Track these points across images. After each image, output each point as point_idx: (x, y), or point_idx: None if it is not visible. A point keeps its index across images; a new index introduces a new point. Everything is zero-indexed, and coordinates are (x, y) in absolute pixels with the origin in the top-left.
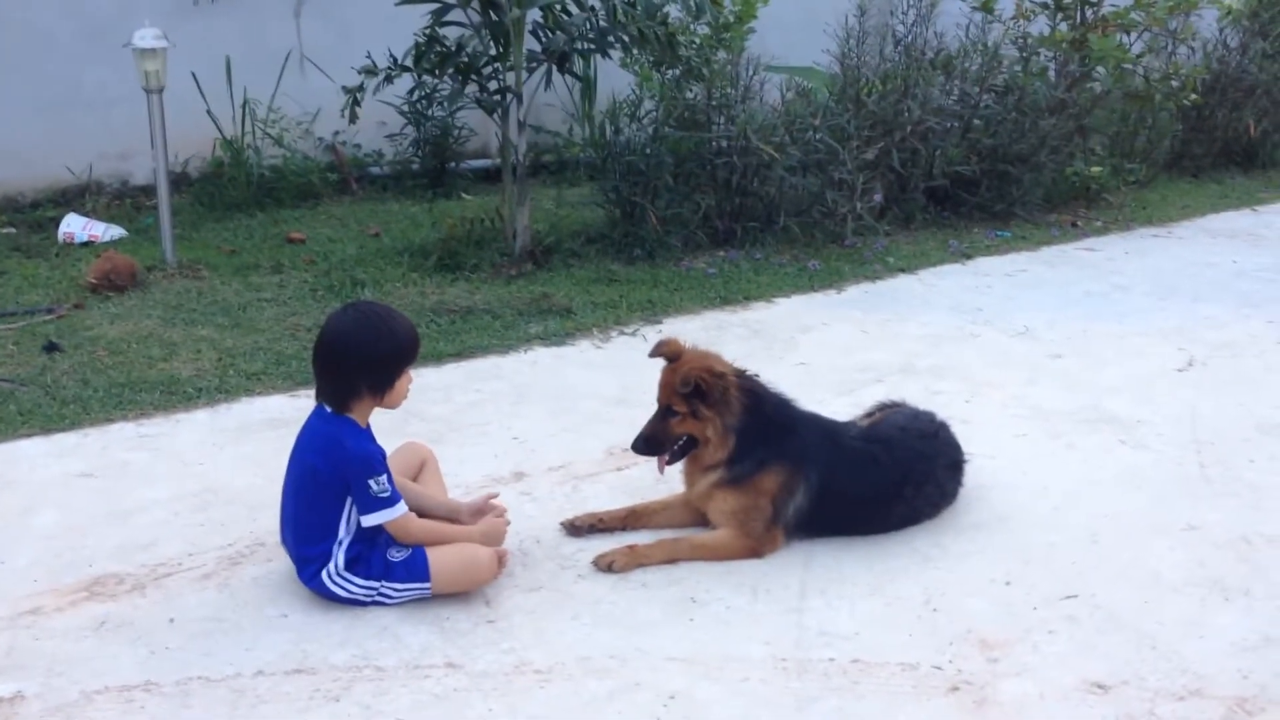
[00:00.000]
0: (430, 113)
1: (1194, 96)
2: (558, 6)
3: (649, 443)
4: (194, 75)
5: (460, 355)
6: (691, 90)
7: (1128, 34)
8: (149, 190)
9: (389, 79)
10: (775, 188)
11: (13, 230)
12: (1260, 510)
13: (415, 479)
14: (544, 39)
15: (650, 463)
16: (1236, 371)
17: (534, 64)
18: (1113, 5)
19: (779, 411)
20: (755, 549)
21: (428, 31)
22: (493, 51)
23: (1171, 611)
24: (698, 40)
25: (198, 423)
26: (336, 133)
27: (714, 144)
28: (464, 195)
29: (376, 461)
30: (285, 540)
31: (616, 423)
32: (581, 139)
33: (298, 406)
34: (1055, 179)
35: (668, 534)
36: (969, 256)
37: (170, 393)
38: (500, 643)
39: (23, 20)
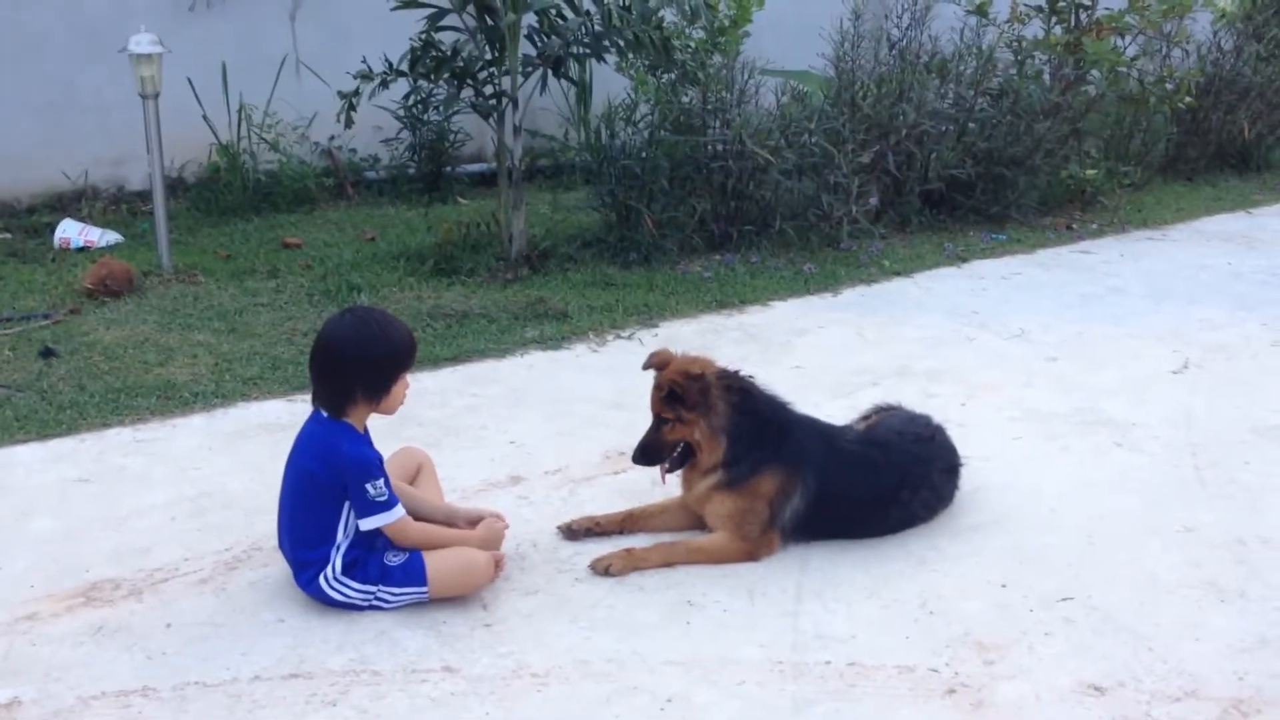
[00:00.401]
0: (426, 117)
1: (1188, 99)
2: (553, 11)
3: (646, 452)
4: (190, 80)
5: (456, 359)
6: (687, 94)
7: (1122, 37)
8: (145, 195)
9: (385, 84)
10: (771, 191)
11: (8, 236)
12: (1256, 512)
13: (412, 483)
14: (539, 43)
15: (649, 468)
16: (1232, 374)
17: (529, 68)
18: (1107, 9)
19: (773, 413)
20: (752, 552)
21: (423, 36)
22: (488, 56)
23: (1167, 613)
24: (693, 44)
25: (194, 428)
26: (332, 137)
27: (709, 148)
28: (460, 200)
29: (373, 465)
30: (282, 545)
31: (613, 426)
32: (577, 143)
33: (294, 411)
34: (1050, 182)
35: (665, 537)
36: (964, 259)
37: (166, 398)
38: (497, 646)
39: (18, 24)
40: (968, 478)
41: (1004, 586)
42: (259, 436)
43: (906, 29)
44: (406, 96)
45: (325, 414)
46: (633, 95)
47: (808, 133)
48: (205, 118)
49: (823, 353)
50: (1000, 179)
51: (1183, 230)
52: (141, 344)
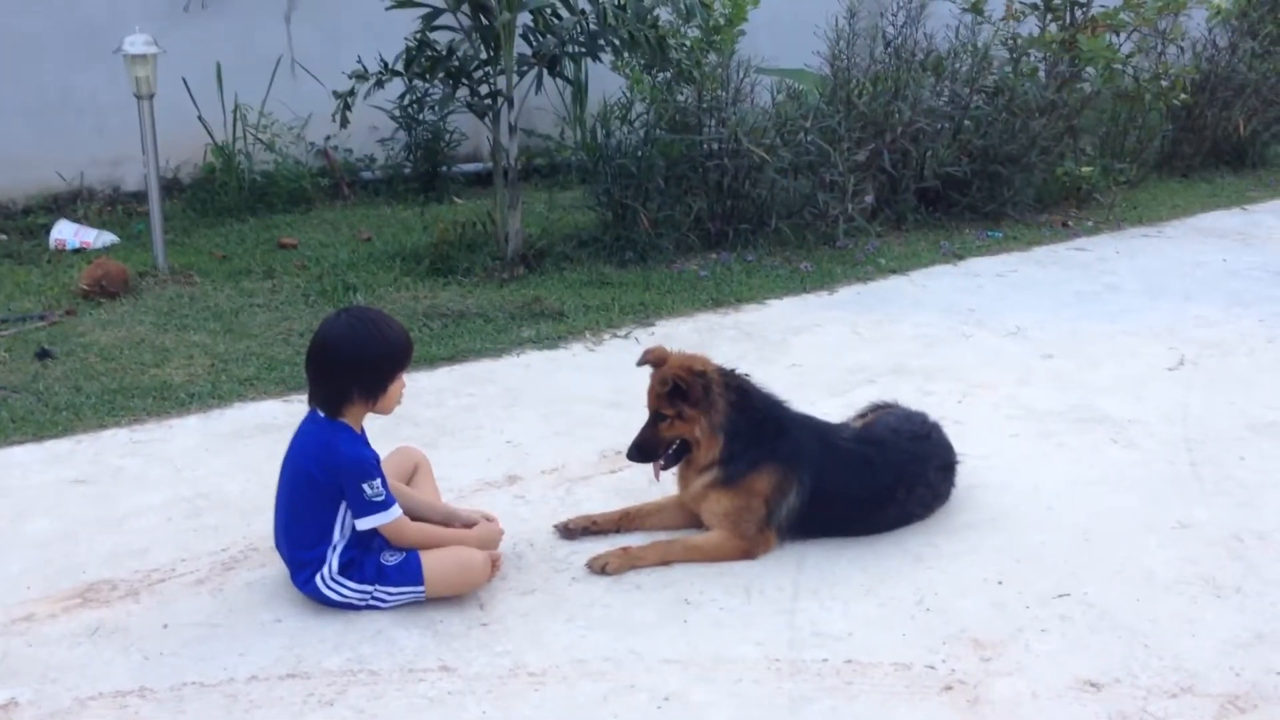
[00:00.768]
0: (421, 117)
1: (1183, 96)
2: (548, 10)
3: (642, 450)
4: (185, 81)
5: (453, 359)
6: (682, 93)
7: (1117, 34)
8: (141, 196)
9: (380, 83)
10: (767, 190)
11: (4, 237)
12: (1251, 508)
13: (408, 484)
14: (534, 43)
15: (644, 466)
16: (1227, 370)
17: (525, 68)
18: (1102, 6)
19: (769, 411)
20: (748, 550)
21: (418, 36)
22: (483, 55)
23: (1163, 609)
24: (688, 43)
25: (190, 428)
26: (328, 137)
27: (705, 146)
28: (456, 199)
29: (370, 465)
30: (279, 545)
31: (609, 425)
32: (573, 142)
33: (290, 411)
34: (1046, 179)
35: (661, 536)
36: (960, 257)
37: (163, 398)
38: (494, 646)
39: (13, 26)
40: (964, 475)
41: (1000, 584)
42: (255, 437)
43: (902, 27)
44: (402, 96)
45: (322, 414)
46: (628, 94)
47: (803, 131)
48: (201, 118)
49: (819, 351)
50: (996, 176)
51: (1178, 227)
52: (137, 345)
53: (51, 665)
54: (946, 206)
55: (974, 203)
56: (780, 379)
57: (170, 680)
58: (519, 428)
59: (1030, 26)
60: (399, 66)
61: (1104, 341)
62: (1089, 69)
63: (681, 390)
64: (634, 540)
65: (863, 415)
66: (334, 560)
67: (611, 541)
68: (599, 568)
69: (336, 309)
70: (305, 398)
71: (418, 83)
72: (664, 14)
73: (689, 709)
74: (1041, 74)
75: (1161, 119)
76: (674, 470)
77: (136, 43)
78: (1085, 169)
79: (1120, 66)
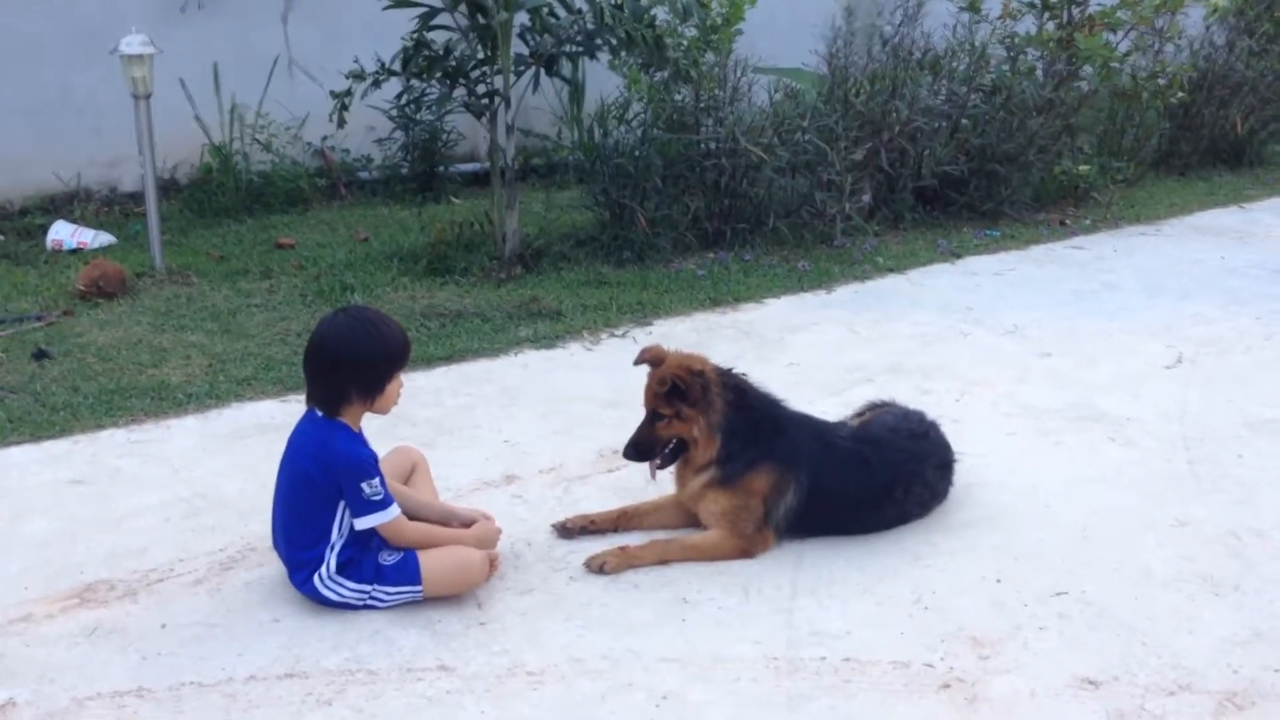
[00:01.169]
0: (419, 117)
1: (1181, 94)
2: (545, 9)
3: (638, 448)
4: (182, 81)
5: (450, 359)
6: (680, 92)
7: (1114, 32)
8: (138, 197)
9: (377, 83)
10: (764, 189)
11: (1, 237)
12: (1249, 505)
13: (406, 483)
14: (531, 42)
15: (641, 465)
16: (1225, 368)
17: (522, 67)
18: (1099, 4)
19: (767, 411)
20: (746, 549)
21: (415, 36)
22: (480, 55)
23: (1161, 607)
24: (685, 42)
25: (188, 429)
26: (325, 137)
27: (703, 146)
28: (453, 199)
29: (368, 464)
30: (277, 545)
31: (607, 425)
32: (570, 142)
33: (288, 411)
34: (1043, 178)
35: (659, 535)
36: (958, 256)
37: (160, 399)
38: (492, 645)
39: (10, 27)
40: (962, 474)
41: (998, 582)
42: (253, 437)
43: (899, 26)
44: (399, 96)
45: (320, 413)
46: (626, 94)
47: (801, 130)
48: (198, 119)
49: (816, 350)
50: (993, 175)
51: (1176, 225)
52: (135, 345)
53: (49, 665)
54: (944, 205)
55: (971, 201)
56: (778, 378)
57: (168, 680)
58: (517, 427)
59: (1027, 25)
60: (396, 66)
61: (1102, 340)
62: (1086, 67)
63: (680, 390)
64: (632, 539)
65: (860, 414)
66: (332, 560)
67: (609, 541)
68: (597, 567)
69: (334, 309)
70: (303, 397)
71: (415, 82)
72: (661, 13)
73: (687, 708)
74: (1039, 73)
75: (1159, 117)
76: (671, 469)
77: (133, 43)
78: (1083, 167)
79: (1118, 65)
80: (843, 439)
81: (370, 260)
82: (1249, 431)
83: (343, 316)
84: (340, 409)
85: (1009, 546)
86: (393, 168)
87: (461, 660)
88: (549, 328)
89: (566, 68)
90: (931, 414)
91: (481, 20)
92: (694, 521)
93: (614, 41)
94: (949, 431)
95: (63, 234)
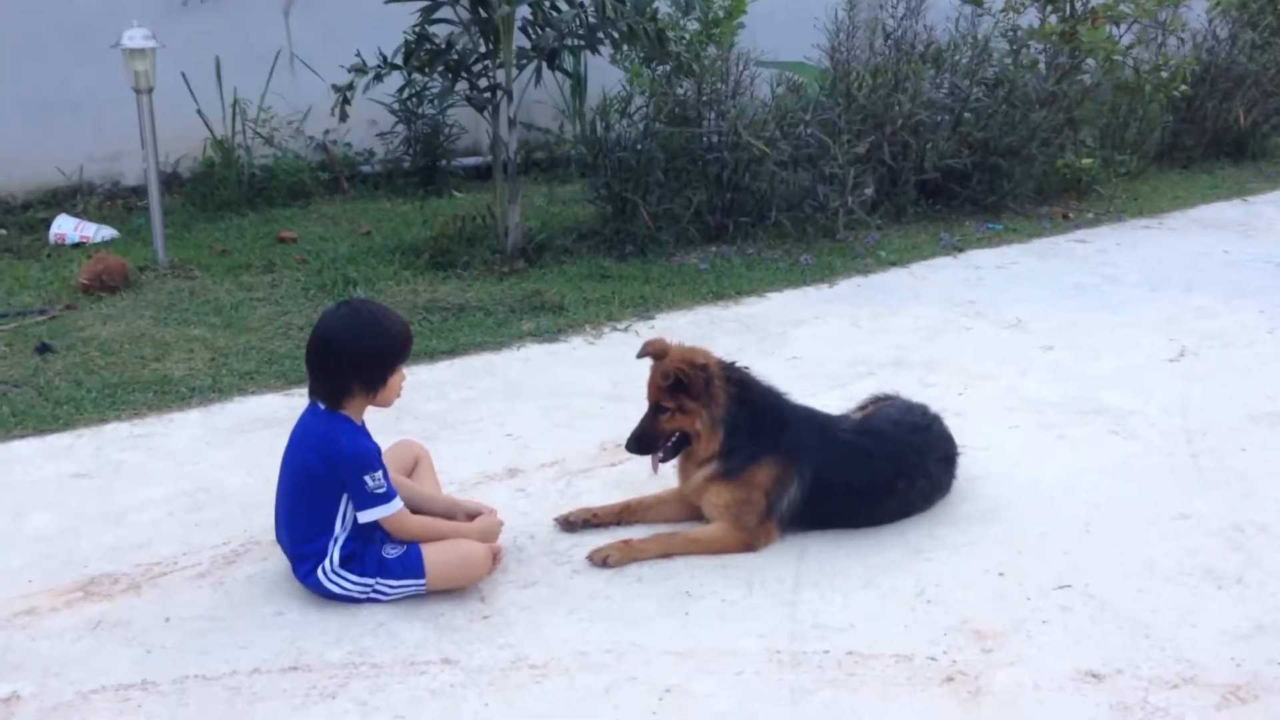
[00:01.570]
0: (421, 111)
1: (1184, 88)
2: (547, 3)
3: (641, 441)
4: (183, 75)
5: (453, 353)
6: (682, 86)
7: (1117, 26)
8: (140, 191)
9: (379, 77)
10: (766, 183)
11: (4, 232)
12: (1252, 498)
13: (409, 476)
14: (533, 36)
15: (644, 459)
16: (1228, 361)
17: (524, 61)
18: None
19: (770, 404)
20: (749, 543)
21: (417, 29)
22: (483, 49)
23: (1164, 600)
24: (688, 36)
25: (191, 422)
26: (327, 131)
27: (705, 140)
28: (455, 193)
29: (371, 458)
30: (280, 538)
31: (610, 418)
32: (572, 136)
33: (291, 405)
34: (1046, 171)
35: (662, 528)
36: (960, 249)
37: (163, 393)
38: (495, 638)
39: (9, 23)
40: (964, 467)
41: (1001, 575)
42: (256, 431)
43: (901, 19)
44: (401, 90)
45: (322, 407)
46: (627, 87)
47: (803, 124)
48: (200, 113)
49: (819, 343)
50: (996, 169)
51: (1179, 218)
52: (138, 339)
53: (53, 659)
54: (946, 199)
55: (974, 195)
56: (780, 371)
57: (172, 673)
58: (519, 421)
59: (1030, 18)
60: (398, 60)
61: (1104, 333)
62: (1089, 60)
63: (683, 383)
64: (635, 533)
65: (863, 407)
66: (335, 553)
67: (612, 534)
68: (600, 560)
69: (336, 302)
70: (305, 391)
71: (417, 76)
72: (663, 7)
73: (690, 701)
74: (1041, 66)
75: (1162, 110)
76: (674, 463)
77: (135, 37)
78: (1085, 161)
79: (1120, 58)
80: (845, 432)
81: (372, 254)
82: (1252, 424)
83: (345, 310)
84: (343, 402)
85: (1012, 540)
86: (395, 161)
87: (465, 653)
88: (551, 321)
89: (568, 61)
90: (934, 407)
91: (483, 14)
92: (697, 515)
93: (616, 35)
94: (951, 425)
95: (65, 228)
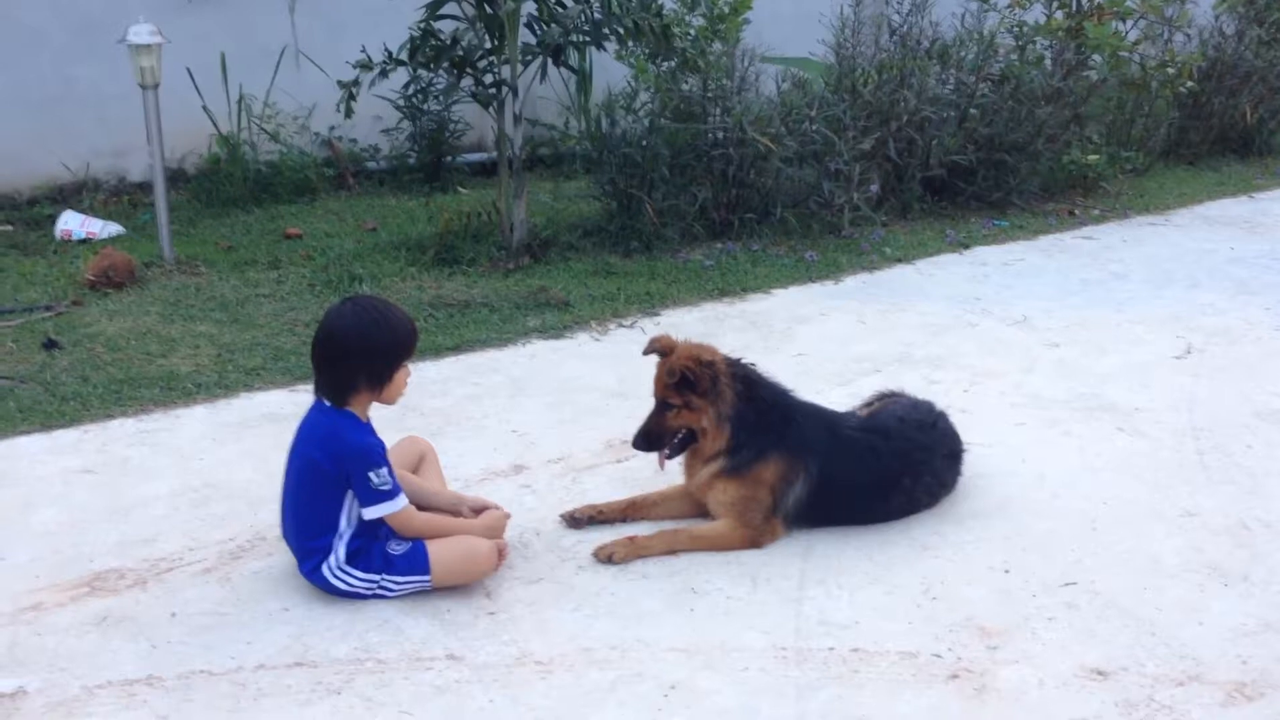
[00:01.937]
0: (426, 107)
1: (1190, 84)
2: None
3: (647, 438)
4: (189, 71)
5: (458, 349)
6: (687, 82)
7: (1124, 21)
8: (146, 187)
9: (384, 73)
10: (772, 179)
11: (10, 228)
12: (1258, 496)
13: (415, 473)
14: (539, 32)
15: (650, 455)
16: (1234, 358)
17: (529, 57)
18: None
19: (776, 401)
20: (755, 539)
21: (422, 25)
22: (488, 45)
23: (1170, 597)
24: (693, 32)
25: (197, 418)
26: (332, 128)
27: (710, 136)
28: (460, 189)
29: (377, 454)
30: (286, 534)
31: (615, 415)
32: (577, 132)
33: (297, 401)
34: (1052, 167)
35: (668, 525)
36: (966, 246)
37: (169, 389)
38: (501, 634)
39: (14, 18)
40: (970, 464)
41: (1007, 572)
42: (262, 427)
43: (907, 15)
44: (406, 86)
45: (328, 403)
46: (633, 83)
47: (808, 120)
48: (205, 109)
49: (825, 340)
50: (1002, 165)
51: (1185, 215)
52: (144, 335)
53: (60, 654)
54: (952, 195)
55: (980, 191)
56: (786, 368)
57: (178, 669)
58: (525, 417)
59: (1036, 14)
60: (403, 56)
61: (1110, 330)
62: (1095, 56)
63: (689, 380)
64: (640, 529)
65: (869, 404)
66: (341, 549)
67: (617, 531)
68: (605, 557)
69: (341, 298)
70: (311, 387)
71: (422, 72)
72: (668, 2)
73: (695, 697)
74: (1048, 62)
75: (1168, 107)
76: (680, 460)
77: (141, 33)
78: (1091, 157)
79: (1127, 54)
80: (851, 429)
81: (378, 250)
82: (1258, 421)
83: (350, 306)
84: (348, 398)
85: (1017, 537)
86: (400, 157)
87: (470, 649)
88: (557, 318)
89: (574, 57)
90: (940, 404)
91: (489, 9)
92: (702, 512)
93: (621, 31)
94: (957, 421)
95: (71, 224)
